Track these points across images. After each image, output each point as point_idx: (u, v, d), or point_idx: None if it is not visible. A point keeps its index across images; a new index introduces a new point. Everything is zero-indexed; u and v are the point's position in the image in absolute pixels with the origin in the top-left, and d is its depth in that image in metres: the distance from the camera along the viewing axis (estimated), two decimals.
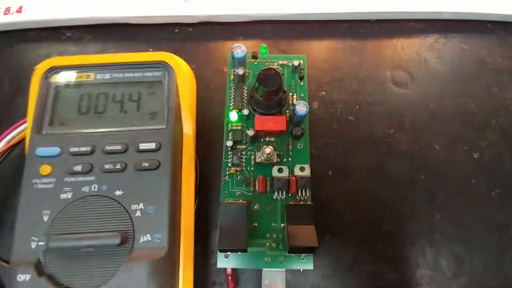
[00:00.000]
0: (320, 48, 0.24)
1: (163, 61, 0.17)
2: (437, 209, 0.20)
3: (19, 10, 0.24)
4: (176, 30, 0.24)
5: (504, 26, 0.25)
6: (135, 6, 0.23)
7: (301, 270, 0.17)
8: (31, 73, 0.23)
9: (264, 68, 0.17)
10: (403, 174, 0.21)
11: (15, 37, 0.24)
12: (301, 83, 0.20)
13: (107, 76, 0.17)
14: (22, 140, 0.19)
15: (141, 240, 0.14)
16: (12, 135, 0.19)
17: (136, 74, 0.17)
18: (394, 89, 0.23)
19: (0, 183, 0.21)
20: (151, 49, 0.23)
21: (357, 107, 0.22)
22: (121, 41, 0.24)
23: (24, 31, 0.24)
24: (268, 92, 0.17)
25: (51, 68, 0.17)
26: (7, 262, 0.19)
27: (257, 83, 0.17)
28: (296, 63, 0.20)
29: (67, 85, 0.17)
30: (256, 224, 0.17)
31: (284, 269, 0.17)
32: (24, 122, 0.19)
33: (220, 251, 0.15)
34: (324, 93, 0.22)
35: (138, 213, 0.14)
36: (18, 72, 0.23)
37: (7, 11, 0.24)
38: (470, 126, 0.22)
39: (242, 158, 0.18)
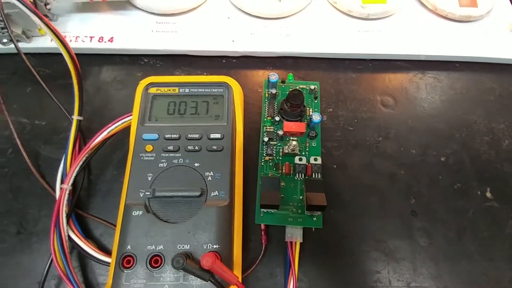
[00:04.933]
0: (329, 78, 0.32)
1: (225, 82, 0.25)
2: (412, 196, 0.27)
3: (110, 40, 0.32)
4: (224, 61, 0.33)
5: (469, 65, 0.34)
6: (195, 43, 0.32)
7: (313, 229, 0.24)
8: (118, 88, 0.31)
9: (291, 89, 0.25)
10: (387, 170, 0.28)
11: (105, 59, 0.33)
12: (316, 101, 0.28)
13: (187, 90, 0.25)
14: (117, 132, 0.27)
15: (212, 195, 0.22)
16: (111, 128, 0.27)
17: (206, 90, 0.25)
18: (382, 109, 0.31)
19: (95, 164, 0.28)
20: (205, 73, 0.32)
21: (355, 120, 0.30)
22: (183, 67, 0.32)
23: (111, 55, 0.33)
24: (294, 105, 0.25)
25: (149, 83, 0.25)
26: (102, 219, 0.26)
27: (288, 97, 0.25)
28: (312, 87, 0.28)
29: (160, 95, 0.25)
30: (283, 195, 0.25)
31: (301, 227, 0.24)
32: (119, 120, 0.27)
33: (261, 207, 0.23)
34: (331, 110, 0.31)
35: (209, 178, 0.22)
36: (107, 86, 0.32)
37: (100, 39, 0.32)
38: (439, 138, 0.30)
39: (273, 150, 0.26)
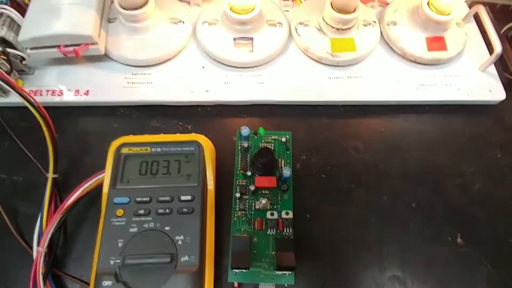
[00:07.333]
0: (302, 124, 0.33)
1: (196, 140, 0.26)
2: (384, 244, 0.28)
3: (86, 93, 0.33)
4: (199, 109, 0.33)
5: (438, 107, 0.35)
6: (170, 93, 0.33)
7: (286, 285, 0.25)
8: (95, 139, 0.32)
9: (262, 147, 0.26)
10: (360, 217, 0.29)
11: (81, 111, 0.33)
12: (288, 152, 0.29)
13: (158, 149, 0.26)
14: (90, 190, 0.27)
15: (182, 260, 0.22)
16: (85, 186, 0.27)
17: (177, 149, 0.26)
18: (354, 155, 0.32)
19: (71, 221, 0.28)
20: (180, 123, 0.33)
21: (328, 168, 0.31)
22: (159, 117, 0.33)
23: (88, 108, 0.33)
24: (264, 162, 0.26)
25: (122, 144, 0.26)
26: (78, 279, 0.26)
27: (257, 155, 0.26)
28: (283, 139, 0.29)
29: (132, 155, 0.26)
30: (255, 251, 0.25)
31: (274, 284, 0.24)
32: (93, 178, 0.27)
33: (232, 269, 0.23)
34: (304, 157, 0.31)
35: (179, 242, 0.22)
36: (86, 138, 0.32)
37: (76, 92, 0.33)
38: (410, 182, 0.31)
39: (246, 205, 0.26)
